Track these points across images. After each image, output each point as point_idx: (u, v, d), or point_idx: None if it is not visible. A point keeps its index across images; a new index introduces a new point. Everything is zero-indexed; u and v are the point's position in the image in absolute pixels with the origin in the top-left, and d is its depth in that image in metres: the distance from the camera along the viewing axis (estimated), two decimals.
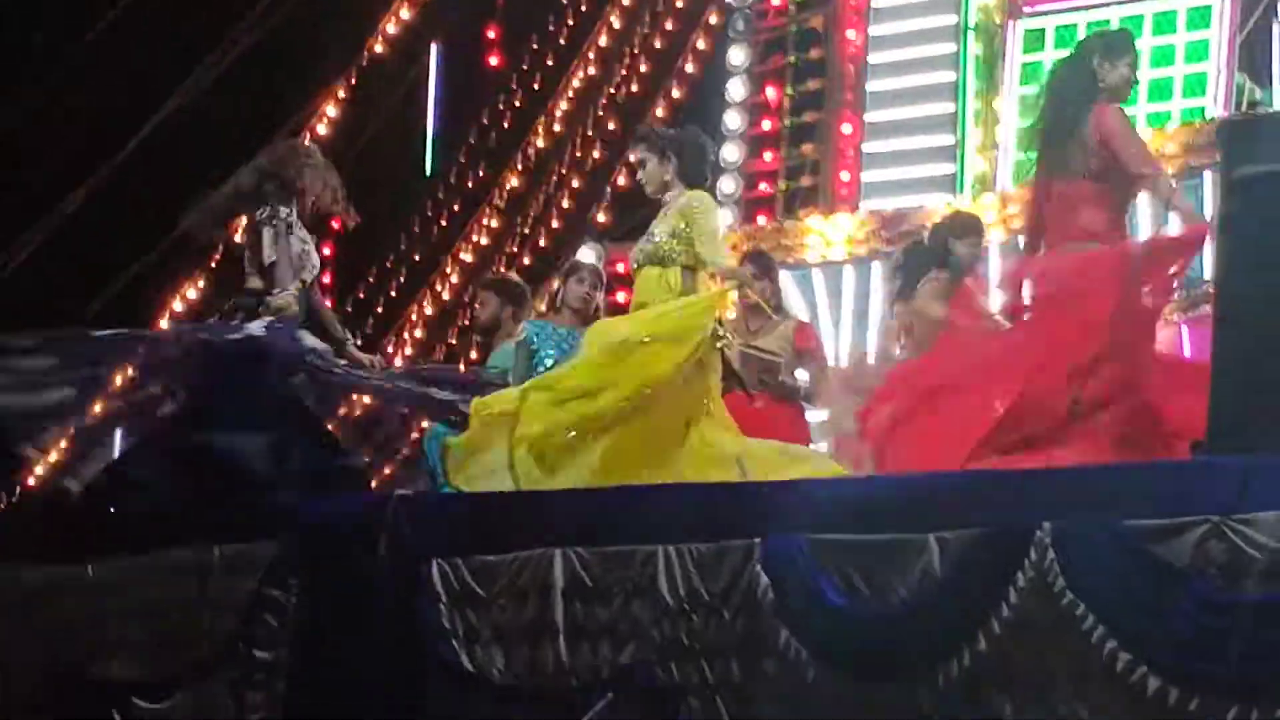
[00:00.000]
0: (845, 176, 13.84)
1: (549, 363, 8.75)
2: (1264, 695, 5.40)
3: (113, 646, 7.33)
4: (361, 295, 15.61)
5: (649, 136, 8.08)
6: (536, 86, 15.84)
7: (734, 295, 9.05)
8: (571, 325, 8.97)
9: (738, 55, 14.52)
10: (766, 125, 14.27)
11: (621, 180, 14.40)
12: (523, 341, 9.04)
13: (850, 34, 14.12)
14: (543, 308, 10.59)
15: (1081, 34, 12.99)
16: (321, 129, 15.11)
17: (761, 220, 13.95)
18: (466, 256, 15.76)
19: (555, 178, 15.73)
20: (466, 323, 14.84)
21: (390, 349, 15.53)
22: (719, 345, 7.65)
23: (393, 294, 15.75)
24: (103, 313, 13.78)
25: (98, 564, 7.46)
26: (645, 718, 6.31)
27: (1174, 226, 7.60)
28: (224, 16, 14.27)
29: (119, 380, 8.29)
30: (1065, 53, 12.91)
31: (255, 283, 8.29)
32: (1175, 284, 7.57)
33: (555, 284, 9.71)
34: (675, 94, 14.91)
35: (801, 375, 9.50)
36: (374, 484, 8.65)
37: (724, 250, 8.16)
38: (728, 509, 6.51)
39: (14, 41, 13.88)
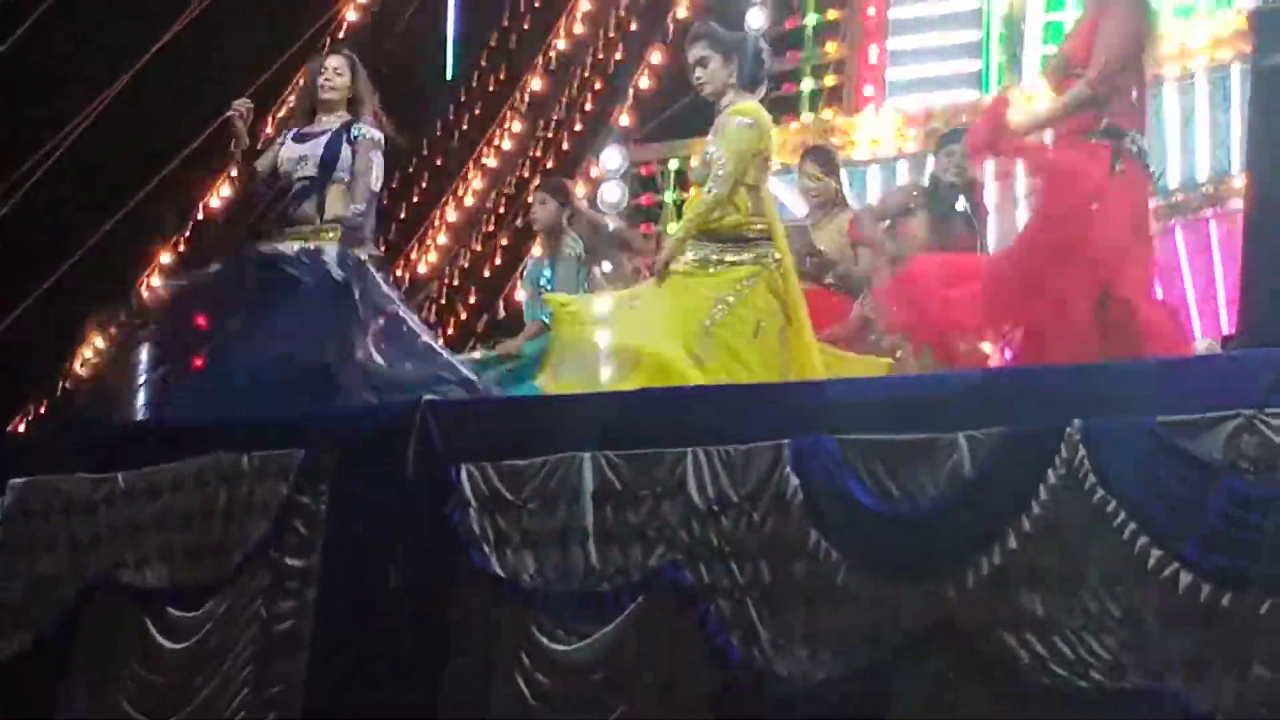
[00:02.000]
0: (871, 69, 13.75)
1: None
2: None
3: (145, 555, 7.35)
4: (385, 201, 15.56)
5: (714, 34, 7.83)
6: None
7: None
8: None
9: None
10: (789, 24, 14.16)
11: (644, 82, 14.31)
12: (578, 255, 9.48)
13: None
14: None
15: None
16: (341, 34, 15.06)
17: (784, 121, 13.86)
18: (489, 161, 15.72)
19: (577, 80, 15.65)
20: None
21: (414, 255, 15.54)
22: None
23: (415, 200, 15.72)
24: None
25: (129, 473, 7.47)
26: (675, 619, 6.32)
27: None
28: None
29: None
30: None
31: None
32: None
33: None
34: None
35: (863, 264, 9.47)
36: None
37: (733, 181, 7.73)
38: (756, 410, 6.50)
39: None
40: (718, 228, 7.65)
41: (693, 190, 7.87)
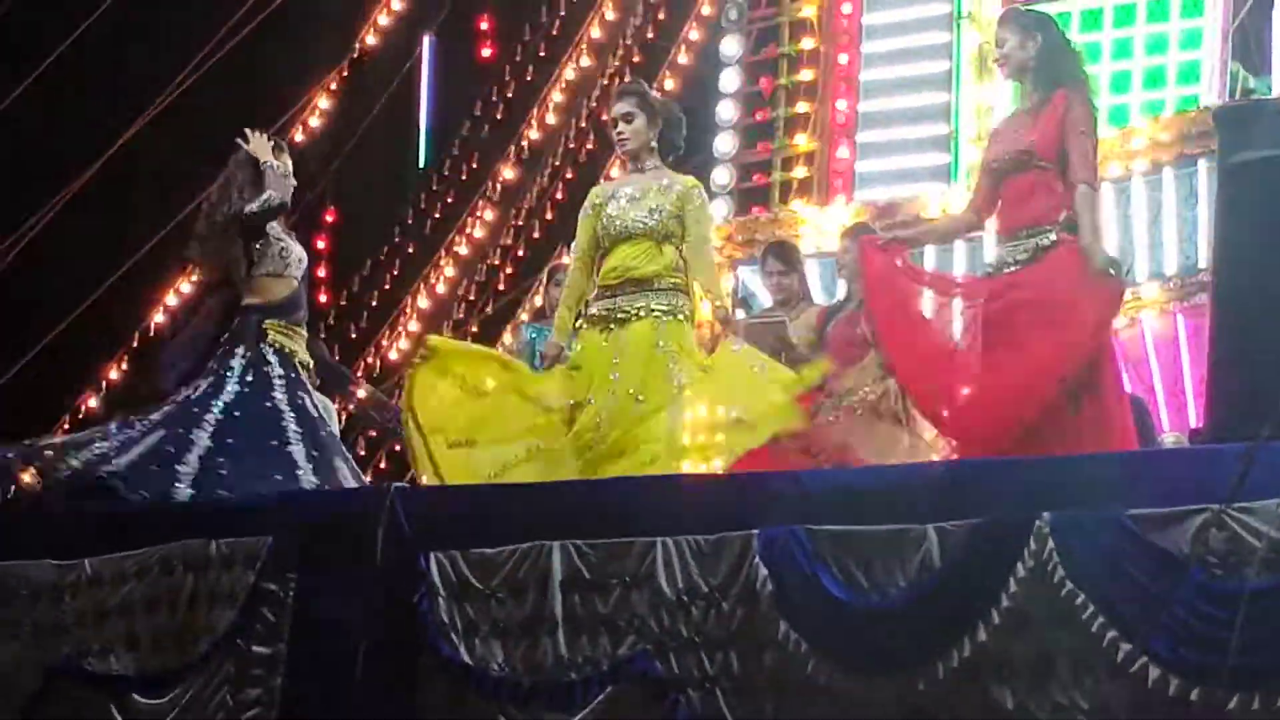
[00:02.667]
0: (840, 163, 13.83)
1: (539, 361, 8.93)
2: (1265, 684, 5.38)
3: (110, 641, 7.31)
4: (356, 288, 15.61)
5: (644, 94, 8.00)
6: (529, 77, 15.83)
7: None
8: None
9: (731, 45, 14.49)
10: (760, 116, 14.25)
11: (615, 171, 14.39)
12: (525, 343, 9.58)
13: (844, 23, 14.11)
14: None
15: (1075, 24, 13.04)
16: (314, 121, 15.13)
17: (755, 211, 13.93)
18: (461, 249, 15.76)
19: (549, 169, 15.72)
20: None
21: (385, 342, 15.54)
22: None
23: (387, 287, 15.74)
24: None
25: (95, 559, 7.44)
26: (644, 710, 6.28)
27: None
28: (216, 6, 14.28)
29: None
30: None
31: (251, 299, 8.39)
32: None
33: (540, 292, 9.85)
34: (669, 84, 14.88)
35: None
36: None
37: (712, 263, 8.10)
38: (726, 500, 6.50)
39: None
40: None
41: (621, 245, 7.87)
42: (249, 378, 8.27)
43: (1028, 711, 5.69)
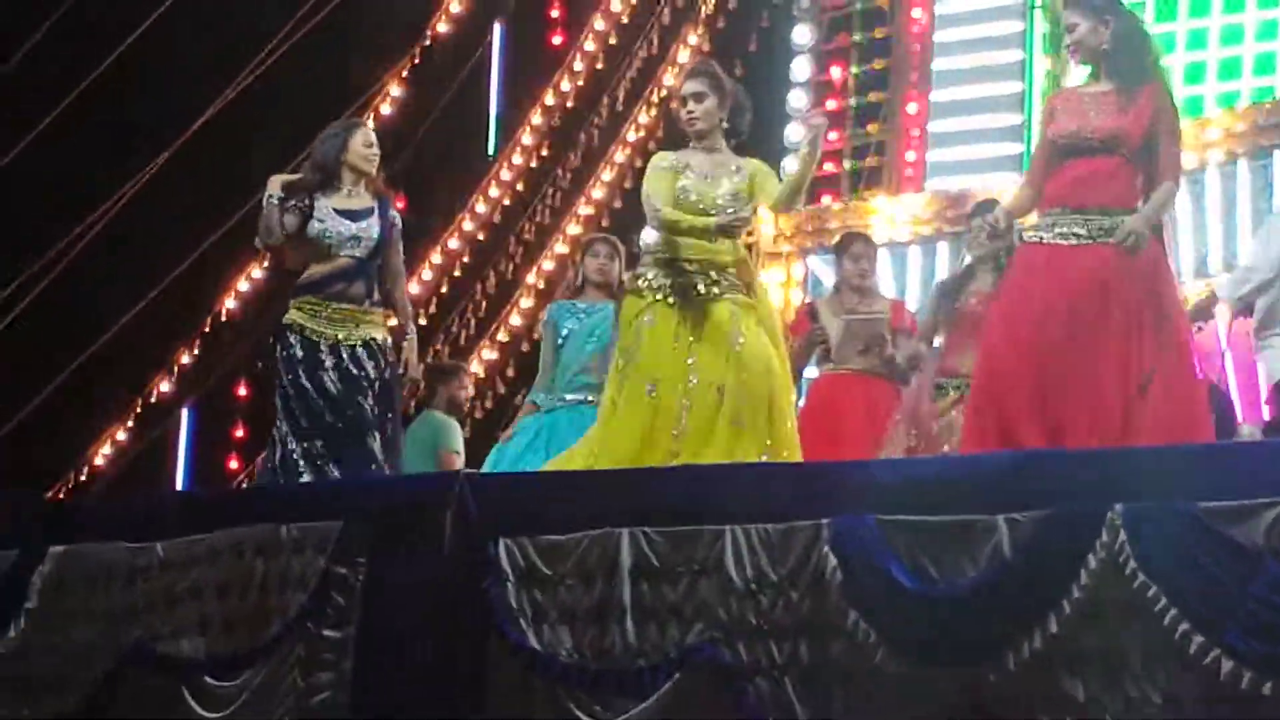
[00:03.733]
0: (911, 156, 13.79)
1: (564, 332, 9.22)
2: None
3: (182, 625, 7.35)
4: (426, 276, 15.65)
5: (716, 75, 7.98)
6: (599, 65, 15.82)
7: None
8: (593, 300, 9.17)
9: (802, 34, 14.46)
10: (831, 104, 14.20)
11: None
12: (545, 324, 9.47)
13: (916, 12, 14.06)
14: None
15: (1150, 13, 12.93)
16: (385, 109, 15.17)
17: (827, 200, 13.90)
18: (529, 237, 15.78)
19: (618, 157, 15.71)
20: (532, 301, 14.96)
21: (455, 328, 15.58)
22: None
23: (456, 274, 15.78)
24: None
25: (168, 543, 7.48)
26: (712, 698, 6.28)
27: None
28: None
29: None
30: (1165, 27, 12.92)
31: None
32: None
33: (575, 266, 9.79)
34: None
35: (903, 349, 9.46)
36: None
37: None
38: (795, 489, 6.49)
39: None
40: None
41: (715, 234, 7.86)
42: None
43: (1099, 703, 5.67)
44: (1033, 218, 7.38)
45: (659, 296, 7.80)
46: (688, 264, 7.79)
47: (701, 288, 7.77)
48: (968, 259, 9.43)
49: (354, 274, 8.34)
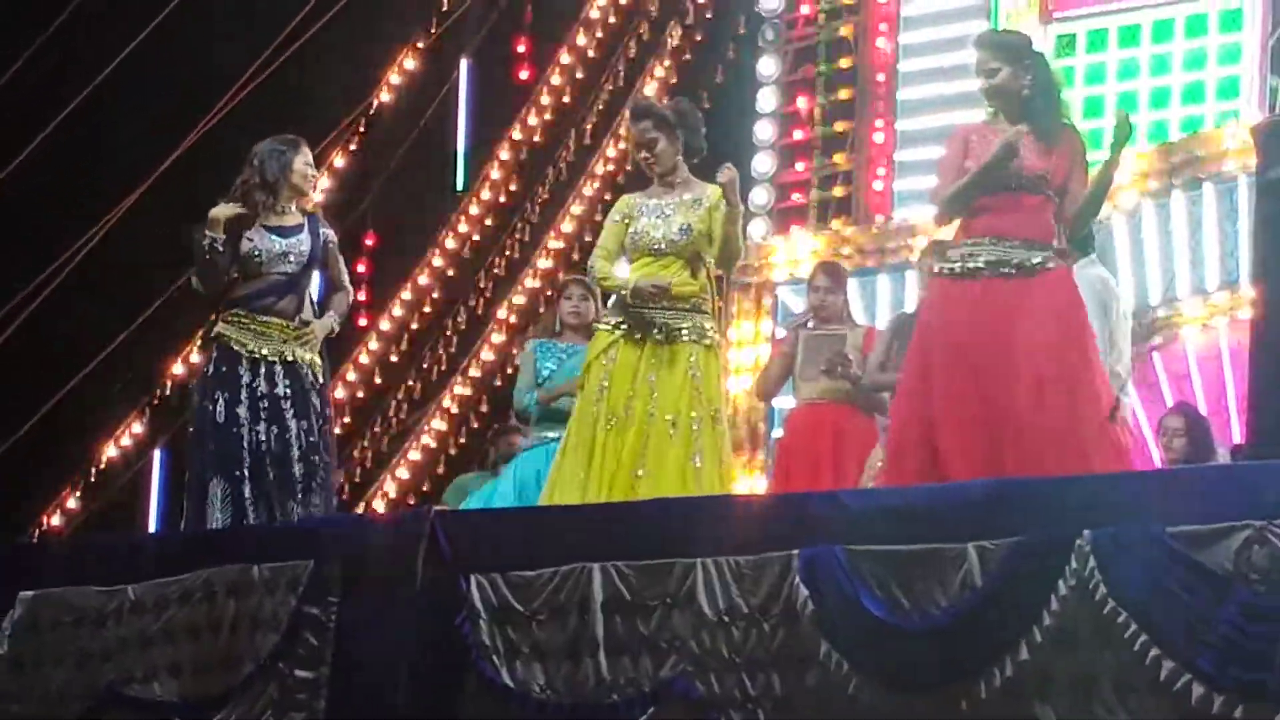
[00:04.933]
0: (878, 186, 13.82)
1: (544, 373, 9.27)
2: None
3: (155, 667, 7.33)
4: (396, 311, 15.64)
5: (657, 114, 8.01)
6: (566, 99, 15.84)
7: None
8: (571, 341, 9.25)
9: (768, 65, 14.48)
10: (798, 135, 14.23)
11: None
12: (526, 355, 9.54)
13: (880, 42, 14.09)
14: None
15: (1113, 38, 13.01)
16: (352, 145, 15.18)
17: (795, 230, 13.92)
18: (500, 271, 15.78)
19: (585, 190, 15.72)
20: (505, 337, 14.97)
21: (427, 364, 15.57)
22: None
23: (427, 310, 15.77)
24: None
25: (139, 585, 7.46)
26: None
27: None
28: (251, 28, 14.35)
29: None
30: (1096, 57, 13.07)
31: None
32: None
33: (553, 306, 9.84)
34: (705, 105, 14.87)
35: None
36: None
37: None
38: (766, 520, 6.50)
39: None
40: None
41: (649, 260, 7.92)
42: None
43: None
44: (948, 250, 7.42)
45: (621, 334, 7.84)
46: (647, 303, 7.83)
47: (658, 331, 7.81)
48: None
49: (283, 289, 8.32)
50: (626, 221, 7.95)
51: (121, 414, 14.86)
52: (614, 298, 8.01)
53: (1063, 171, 7.28)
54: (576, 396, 8.03)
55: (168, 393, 14.65)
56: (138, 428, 14.79)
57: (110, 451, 14.80)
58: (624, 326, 7.85)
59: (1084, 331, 7.33)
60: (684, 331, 7.82)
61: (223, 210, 8.28)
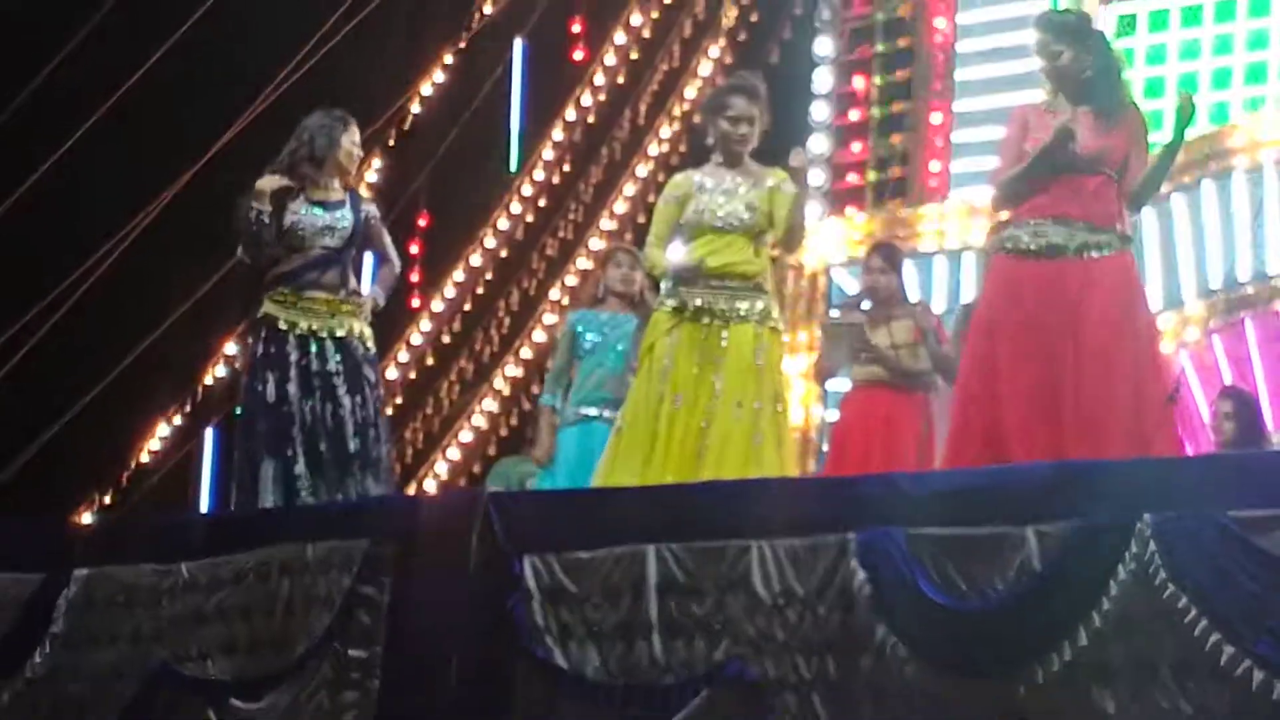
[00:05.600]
0: (935, 167, 13.75)
1: (587, 346, 9.20)
2: None
3: (209, 646, 7.34)
4: (449, 292, 15.65)
5: (763, 95, 7.96)
6: (620, 80, 15.82)
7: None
8: (614, 311, 9.14)
9: (824, 45, 14.44)
10: (854, 116, 14.18)
11: None
12: (565, 331, 9.45)
13: (938, 22, 14.03)
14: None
15: (1174, 19, 12.91)
16: (406, 125, 15.19)
17: (851, 212, 13.87)
18: (552, 252, 15.78)
19: (639, 170, 15.71)
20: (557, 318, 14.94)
21: (479, 345, 15.59)
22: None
23: (479, 291, 15.79)
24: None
25: (193, 564, 7.48)
26: (740, 714, 6.25)
27: None
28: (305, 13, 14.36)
29: None
30: (1158, 38, 12.99)
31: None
32: None
33: (597, 273, 9.76)
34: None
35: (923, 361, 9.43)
36: None
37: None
38: (821, 502, 6.46)
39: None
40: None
41: (713, 237, 7.89)
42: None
43: (1129, 715, 5.62)
44: (1010, 228, 7.39)
45: (683, 315, 7.80)
46: (710, 281, 7.79)
47: (724, 305, 7.77)
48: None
49: (326, 264, 8.33)
50: (682, 202, 7.91)
51: (165, 402, 14.92)
52: (668, 281, 7.96)
53: (1121, 150, 7.25)
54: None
55: (210, 380, 14.72)
56: (209, 378, 14.86)
57: (162, 430, 14.87)
58: (686, 307, 7.81)
59: (1146, 315, 7.30)
60: (746, 311, 7.79)
61: (269, 182, 8.29)
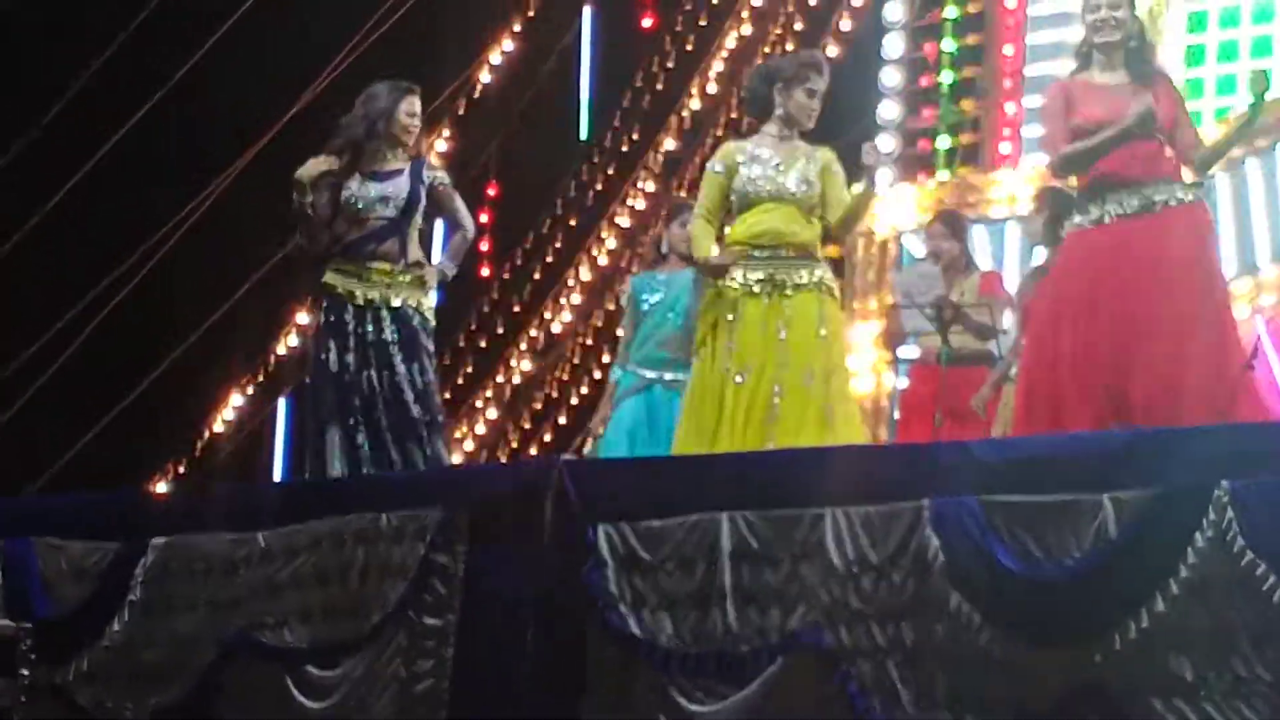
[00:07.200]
0: (1006, 132, 13.67)
1: (644, 308, 9.08)
2: None
3: (284, 615, 7.38)
4: (519, 261, 15.67)
5: (828, 70, 8.00)
6: (690, 47, 15.78)
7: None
8: (673, 269, 9.09)
9: (895, 10, 14.34)
10: (925, 81, 14.10)
11: None
12: (628, 297, 9.38)
13: None
14: None
15: (1245, 15, 12.79)
16: (475, 94, 15.20)
17: (921, 178, 13.80)
18: (623, 221, 15.77)
19: (710, 139, 15.67)
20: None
21: (549, 314, 15.60)
22: None
23: (549, 260, 15.80)
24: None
25: (269, 533, 7.52)
26: (815, 681, 6.26)
27: None
28: None
29: None
30: (1229, 34, 12.90)
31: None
32: None
33: (659, 232, 9.71)
34: (831, 51, 14.76)
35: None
36: None
37: None
38: (896, 470, 6.45)
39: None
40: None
41: (764, 208, 7.88)
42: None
43: (1207, 683, 5.61)
44: (1073, 206, 7.39)
45: (745, 290, 7.79)
46: (766, 252, 7.79)
47: (782, 276, 7.77)
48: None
49: (384, 235, 8.33)
50: (731, 172, 7.89)
51: (238, 372, 15.01)
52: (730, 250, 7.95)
53: (1170, 116, 7.27)
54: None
55: (283, 350, 14.80)
56: (282, 349, 14.94)
57: (236, 400, 14.95)
58: (747, 283, 7.80)
59: (1219, 276, 7.27)
60: (806, 279, 7.78)
61: (305, 171, 8.32)
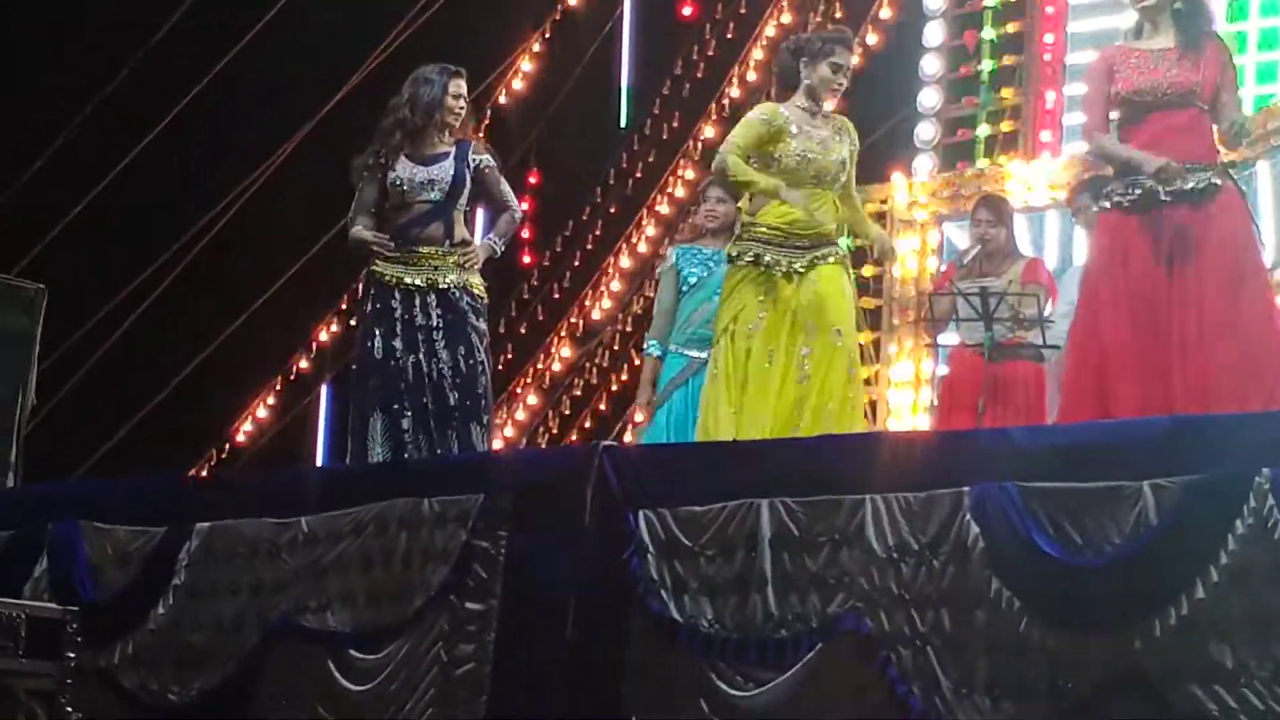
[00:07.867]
0: (1047, 120, 13.62)
1: (692, 280, 9.09)
2: None
3: (327, 599, 7.43)
4: (559, 249, 15.68)
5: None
6: (730, 35, 15.76)
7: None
8: (714, 247, 9.06)
9: None
10: (965, 69, 14.05)
11: None
12: (670, 266, 9.29)
13: None
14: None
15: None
16: (516, 83, 15.22)
17: (960, 168, 13.77)
18: (663, 209, 15.76)
19: None
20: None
21: (589, 301, 15.61)
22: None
23: (589, 247, 15.80)
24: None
25: (312, 518, 7.57)
26: (855, 667, 6.28)
27: None
28: None
29: None
30: (1270, 21, 12.84)
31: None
32: None
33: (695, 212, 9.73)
34: (870, 39, 14.75)
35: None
36: None
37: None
38: (936, 457, 6.46)
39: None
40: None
41: (809, 189, 7.93)
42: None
43: (1247, 669, 5.60)
44: (1109, 184, 7.39)
45: (768, 270, 7.89)
46: (797, 242, 7.87)
47: (803, 265, 7.87)
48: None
49: (429, 218, 8.42)
50: (773, 133, 7.92)
51: (281, 358, 15.06)
52: (749, 232, 7.99)
53: (1212, 83, 7.27)
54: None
55: (325, 336, 14.85)
56: (325, 334, 15.00)
57: (278, 386, 15.02)
58: (773, 266, 7.86)
59: (1259, 259, 7.27)
60: (825, 254, 7.92)
61: (360, 233, 8.48)
